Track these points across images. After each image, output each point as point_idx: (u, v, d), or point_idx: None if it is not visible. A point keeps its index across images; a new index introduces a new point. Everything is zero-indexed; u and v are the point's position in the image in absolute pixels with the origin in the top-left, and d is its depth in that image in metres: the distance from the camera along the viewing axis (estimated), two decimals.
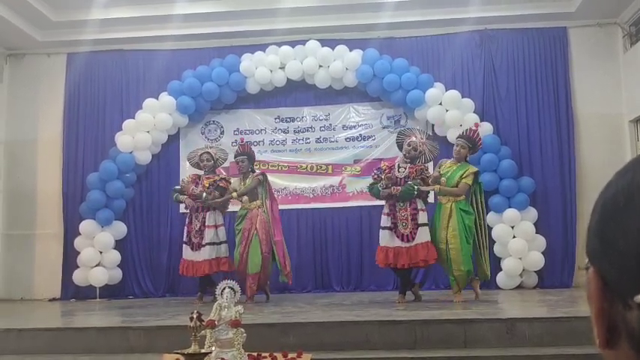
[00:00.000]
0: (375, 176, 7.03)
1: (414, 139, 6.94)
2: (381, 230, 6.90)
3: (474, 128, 7.19)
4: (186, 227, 7.69)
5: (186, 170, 9.08)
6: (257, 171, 7.67)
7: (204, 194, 7.44)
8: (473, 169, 6.88)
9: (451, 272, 6.72)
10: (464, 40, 9.02)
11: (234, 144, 9.18)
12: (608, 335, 0.62)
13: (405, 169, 6.87)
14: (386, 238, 6.79)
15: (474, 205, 6.87)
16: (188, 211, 7.83)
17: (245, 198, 7.41)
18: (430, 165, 7.46)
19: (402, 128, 8.11)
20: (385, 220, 6.85)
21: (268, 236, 7.26)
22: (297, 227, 9.01)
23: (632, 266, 0.59)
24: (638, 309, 0.58)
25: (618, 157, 8.31)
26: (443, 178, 6.77)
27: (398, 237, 6.72)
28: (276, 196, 9.08)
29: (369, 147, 9.09)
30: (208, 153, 7.76)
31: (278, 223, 7.45)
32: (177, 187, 7.89)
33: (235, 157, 7.60)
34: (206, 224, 7.50)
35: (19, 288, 9.21)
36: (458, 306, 6.37)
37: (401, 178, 6.81)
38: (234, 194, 7.43)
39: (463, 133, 7.18)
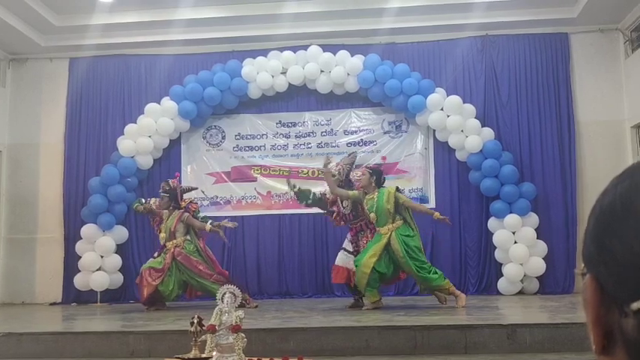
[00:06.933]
0: (325, 197, 7.34)
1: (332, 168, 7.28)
2: (344, 252, 7.22)
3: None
4: None
5: (188, 175, 9.10)
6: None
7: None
8: (391, 188, 6.88)
9: (425, 289, 6.86)
10: (465, 45, 9.03)
11: (235, 149, 9.22)
12: (605, 342, 0.62)
13: (348, 204, 7.13)
14: (342, 259, 7.17)
15: (410, 223, 6.87)
16: None
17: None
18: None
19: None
20: (347, 244, 7.24)
21: None
22: (299, 232, 9.02)
23: (629, 273, 0.59)
24: (635, 316, 0.58)
25: (620, 163, 8.30)
26: (372, 214, 6.82)
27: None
28: (277, 200, 9.12)
29: (370, 152, 9.09)
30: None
31: None
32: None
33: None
34: None
35: (20, 292, 9.21)
36: (459, 311, 6.37)
37: (346, 214, 7.16)
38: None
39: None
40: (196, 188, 8.26)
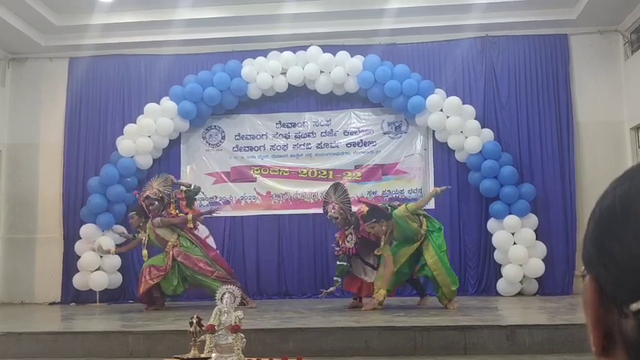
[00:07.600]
0: (337, 252, 7.16)
1: (329, 210, 7.10)
2: (363, 263, 7.12)
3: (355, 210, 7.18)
4: None
5: (187, 175, 9.10)
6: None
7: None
8: (400, 210, 6.66)
9: (440, 290, 6.78)
10: (465, 46, 9.04)
11: (234, 149, 9.23)
12: (605, 342, 0.63)
13: (352, 237, 7.02)
14: (360, 271, 7.12)
15: (429, 217, 6.93)
16: None
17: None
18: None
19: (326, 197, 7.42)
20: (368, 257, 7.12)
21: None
22: (298, 232, 9.02)
23: (628, 275, 0.59)
24: (634, 317, 0.59)
25: (619, 165, 8.32)
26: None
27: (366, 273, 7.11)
28: (277, 200, 9.11)
29: (369, 153, 9.10)
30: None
31: None
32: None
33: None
34: None
35: (19, 291, 9.21)
36: (458, 312, 6.37)
37: (350, 248, 7.01)
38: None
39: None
40: (177, 182, 7.89)
